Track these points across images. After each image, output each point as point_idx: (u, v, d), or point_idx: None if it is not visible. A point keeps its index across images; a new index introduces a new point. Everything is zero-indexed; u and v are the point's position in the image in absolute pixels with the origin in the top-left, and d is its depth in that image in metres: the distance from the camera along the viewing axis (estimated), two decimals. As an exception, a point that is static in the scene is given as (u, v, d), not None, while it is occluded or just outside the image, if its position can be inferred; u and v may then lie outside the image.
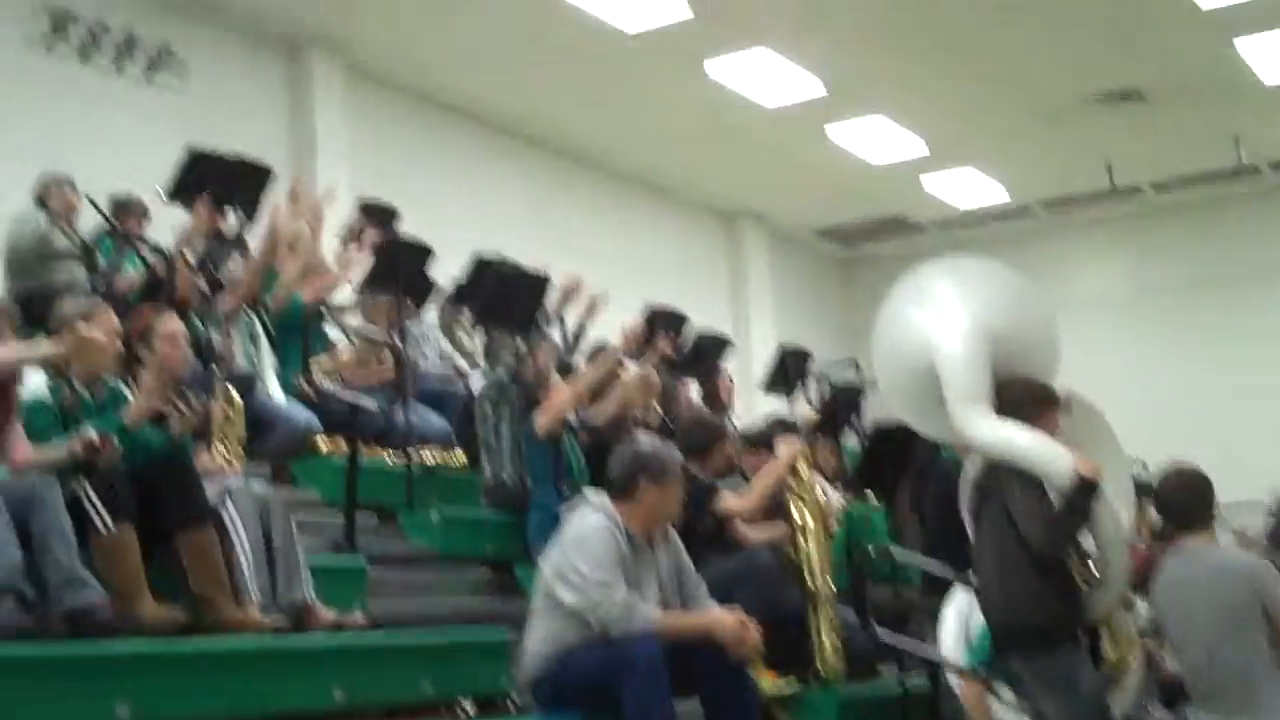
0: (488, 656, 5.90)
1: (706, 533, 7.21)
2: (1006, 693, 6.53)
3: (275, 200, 8.95)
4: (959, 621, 6.86)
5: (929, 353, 5.84)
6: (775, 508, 7.40)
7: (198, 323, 7.57)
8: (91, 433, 5.06)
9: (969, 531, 5.90)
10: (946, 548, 7.18)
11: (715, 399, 10.15)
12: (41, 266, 8.03)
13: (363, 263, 8.89)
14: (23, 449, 5.15)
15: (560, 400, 7.72)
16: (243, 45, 12.40)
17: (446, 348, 9.99)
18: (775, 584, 7.07)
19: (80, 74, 11.00)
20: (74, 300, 5.75)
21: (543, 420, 7.65)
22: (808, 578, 7.07)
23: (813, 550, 7.06)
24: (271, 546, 5.65)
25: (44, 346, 5.27)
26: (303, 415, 7.97)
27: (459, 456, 8.63)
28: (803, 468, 7.24)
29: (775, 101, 14.17)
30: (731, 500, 7.31)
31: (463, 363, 9.80)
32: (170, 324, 5.95)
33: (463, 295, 9.50)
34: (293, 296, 8.47)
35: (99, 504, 5.07)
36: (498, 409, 8.08)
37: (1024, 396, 5.70)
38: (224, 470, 6.11)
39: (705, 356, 9.85)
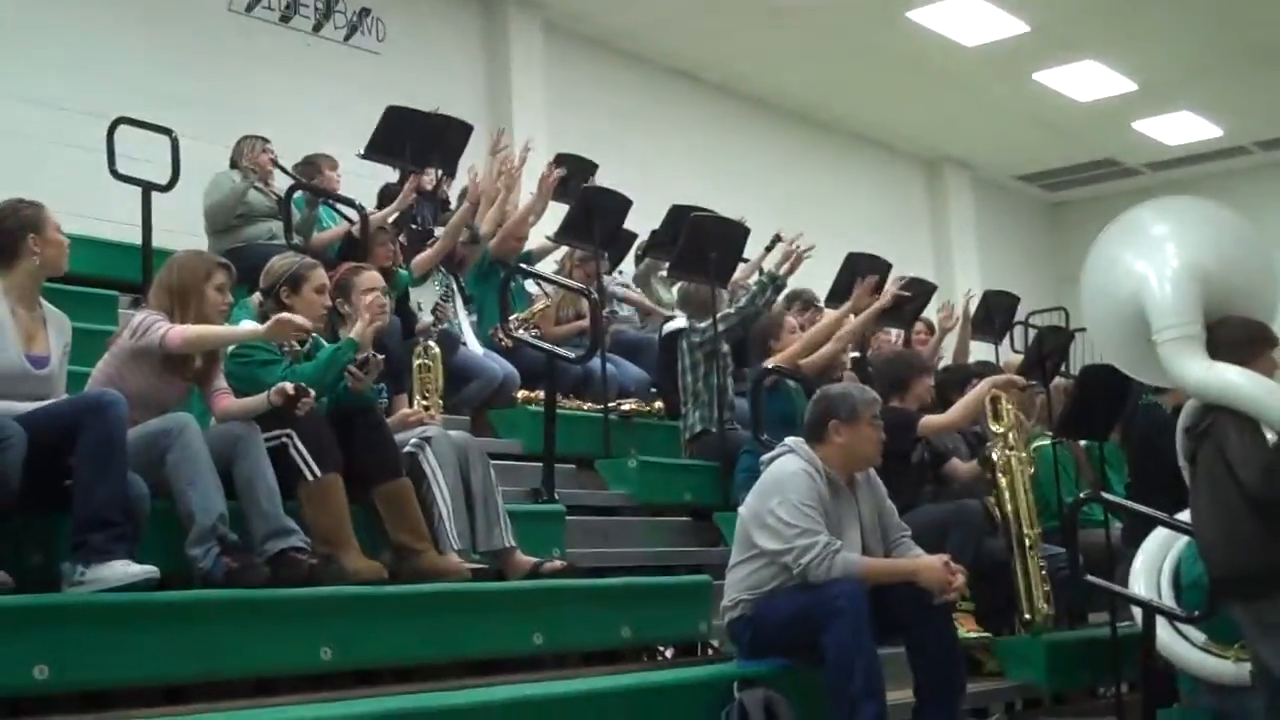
0: (686, 602, 5.89)
1: (921, 464, 7.17)
2: (1199, 636, 6.36)
3: (474, 160, 9.06)
4: (1150, 566, 6.69)
5: (1140, 294, 5.65)
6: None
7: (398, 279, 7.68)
8: (288, 385, 5.13)
9: (1185, 476, 5.71)
10: (1151, 492, 6.99)
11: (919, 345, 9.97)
12: (241, 223, 8.18)
13: (541, 205, 8.94)
14: (225, 400, 5.25)
15: (790, 351, 7.66)
16: (439, 3, 12.50)
17: (638, 298, 10.00)
18: (984, 532, 6.96)
19: (280, 37, 11.21)
20: (283, 257, 5.81)
21: (769, 365, 7.59)
22: (1012, 522, 6.94)
23: (1018, 493, 6.91)
24: (471, 493, 5.69)
25: (250, 328, 5.36)
26: (501, 366, 8.05)
27: (657, 406, 8.63)
28: (1006, 405, 7.07)
29: (978, 40, 13.87)
30: (934, 419, 7.18)
31: (663, 312, 9.79)
32: (369, 279, 6.01)
33: (660, 244, 9.46)
34: (484, 252, 8.55)
35: (306, 453, 5.17)
36: (710, 359, 8.04)
37: (1239, 337, 5.49)
38: (423, 419, 6.14)
39: (907, 303, 9.65)
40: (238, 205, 8.15)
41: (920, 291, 9.82)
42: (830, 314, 8.45)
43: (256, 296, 5.87)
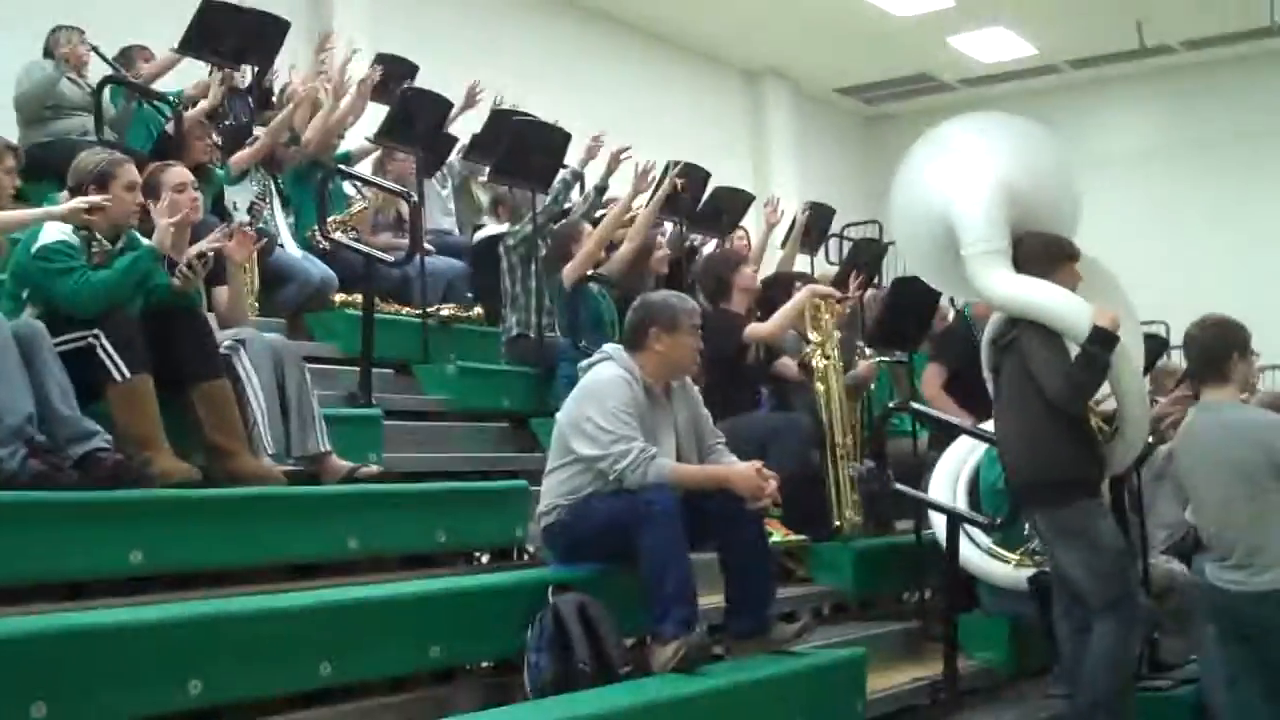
0: (502, 507, 5.90)
1: (756, 364, 7.30)
2: (985, 541, 6.60)
3: (293, 59, 8.90)
4: (949, 475, 6.90)
5: (948, 210, 5.78)
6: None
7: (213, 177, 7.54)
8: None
9: (989, 387, 5.88)
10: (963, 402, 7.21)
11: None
12: (53, 115, 7.95)
13: (359, 108, 8.86)
14: None
15: (585, 251, 7.68)
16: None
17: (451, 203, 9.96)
18: (810, 444, 7.10)
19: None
20: (92, 153, 5.64)
21: (568, 271, 7.61)
22: (827, 431, 7.09)
23: (832, 402, 7.05)
24: (286, 397, 5.61)
25: (44, 210, 5.21)
26: (318, 269, 7.96)
27: (476, 312, 8.62)
28: (824, 315, 7.20)
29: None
30: (758, 327, 7.29)
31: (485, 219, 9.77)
32: (177, 174, 5.86)
33: (481, 148, 9.41)
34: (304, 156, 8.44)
35: (114, 352, 5.05)
36: (526, 262, 8.05)
37: (1042, 252, 5.66)
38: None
39: (724, 212, 9.76)
40: (49, 96, 7.92)
41: (739, 202, 9.93)
42: (613, 209, 8.45)
43: (64, 194, 5.71)
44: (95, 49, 8.20)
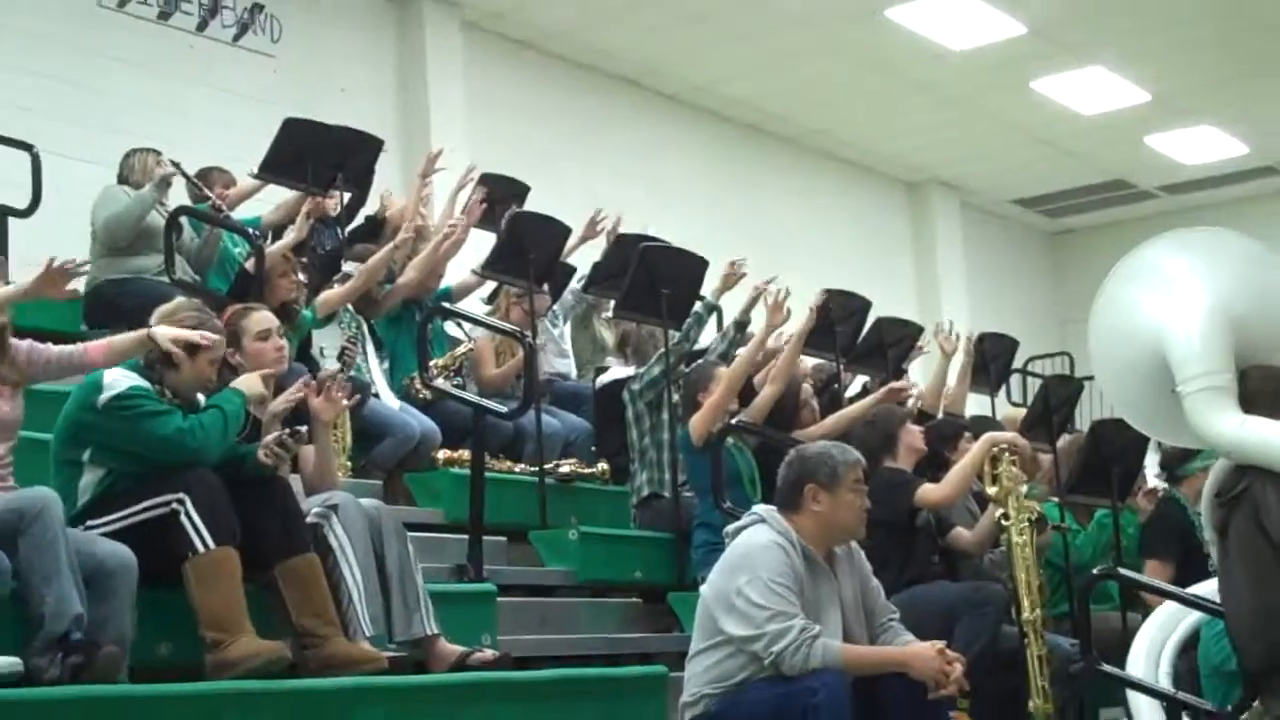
0: (639, 697, 5.87)
1: (927, 529, 7.29)
2: None
3: (390, 187, 9.04)
4: (1151, 650, 6.73)
5: (1159, 340, 5.71)
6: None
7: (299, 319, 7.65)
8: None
9: (1212, 548, 5.77)
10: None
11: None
12: (134, 249, 8.08)
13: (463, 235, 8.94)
14: (98, 348, 5.34)
15: (713, 400, 7.67)
16: (343, 1, 12.52)
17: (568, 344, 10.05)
18: (1003, 620, 7.02)
19: (159, 37, 11.18)
20: (180, 304, 5.70)
21: (695, 422, 7.61)
22: (1018, 602, 6.99)
23: (1019, 569, 6.95)
24: (385, 571, 5.65)
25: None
26: (419, 422, 8.03)
27: (601, 468, 8.64)
28: (1006, 467, 7.12)
29: (968, 44, 13.97)
30: (929, 491, 7.24)
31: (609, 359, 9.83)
32: (261, 320, 6.01)
33: (603, 279, 9.46)
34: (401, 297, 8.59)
35: (198, 520, 5.10)
36: (655, 410, 8.07)
37: (1273, 389, 5.56)
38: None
39: (889, 345, 9.70)
40: (140, 222, 8.05)
41: (904, 334, 9.89)
42: (743, 350, 8.34)
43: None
44: (178, 166, 8.34)
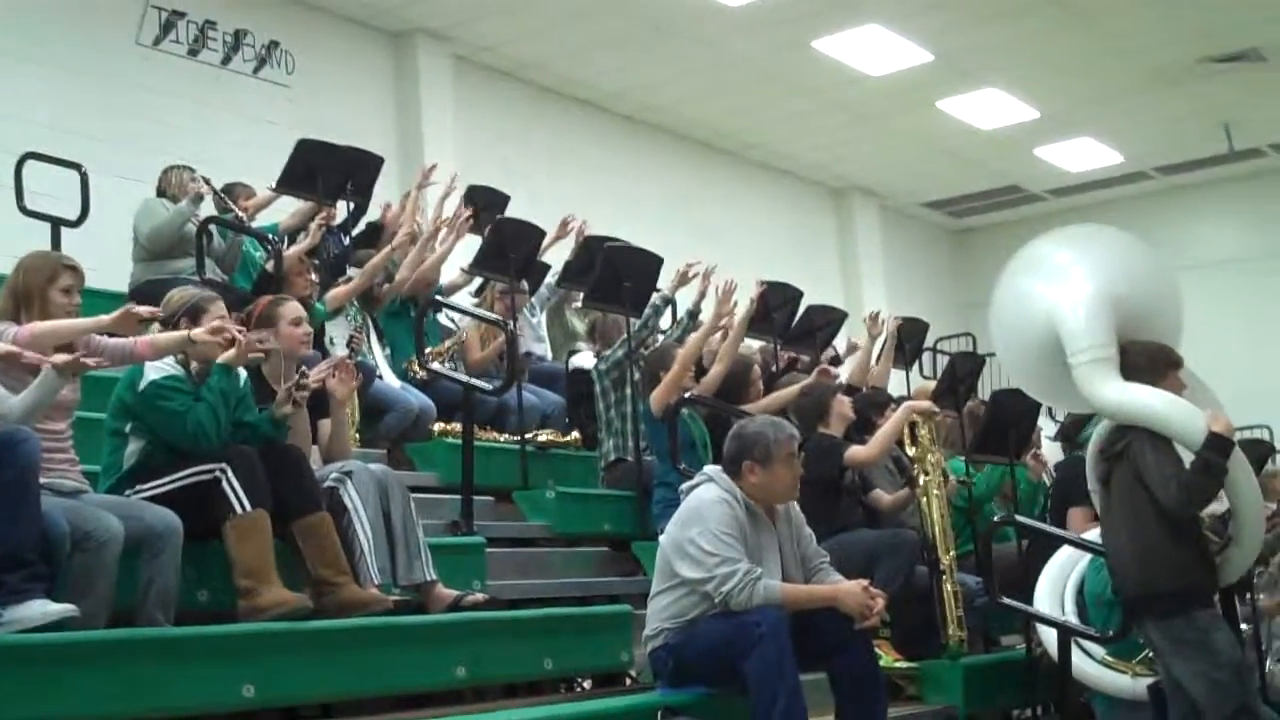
0: (607, 632, 5.89)
1: (852, 488, 7.29)
2: (1099, 652, 6.45)
3: (389, 198, 9.00)
4: (1054, 586, 6.77)
5: (1052, 322, 5.75)
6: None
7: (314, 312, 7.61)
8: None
9: (1095, 496, 5.80)
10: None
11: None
12: (172, 253, 8.06)
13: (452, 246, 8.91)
14: (146, 342, 5.27)
15: (670, 376, 7.65)
16: (347, 36, 12.46)
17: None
18: (916, 560, 7.03)
19: (189, 70, 11.13)
20: (182, 290, 5.72)
21: (654, 397, 7.61)
22: (931, 547, 7.00)
23: (935, 517, 6.97)
24: (391, 526, 5.64)
25: (95, 319, 5.22)
26: (417, 399, 8.02)
27: (574, 436, 8.63)
28: (923, 430, 7.14)
29: (883, 70, 13.97)
30: (858, 451, 7.25)
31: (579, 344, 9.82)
32: (294, 309, 6.00)
33: (573, 275, 9.46)
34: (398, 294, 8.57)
35: (238, 486, 5.12)
36: (619, 387, 8.08)
37: (1146, 361, 5.62)
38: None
39: (817, 329, 9.74)
40: (182, 228, 8.01)
41: (831, 319, 9.92)
42: (695, 334, 8.28)
43: (155, 326, 5.78)
44: (208, 182, 8.31)
